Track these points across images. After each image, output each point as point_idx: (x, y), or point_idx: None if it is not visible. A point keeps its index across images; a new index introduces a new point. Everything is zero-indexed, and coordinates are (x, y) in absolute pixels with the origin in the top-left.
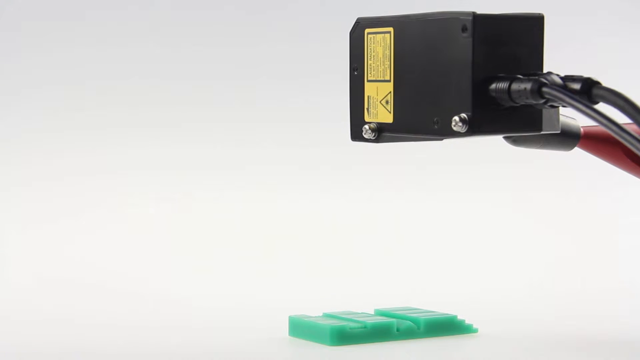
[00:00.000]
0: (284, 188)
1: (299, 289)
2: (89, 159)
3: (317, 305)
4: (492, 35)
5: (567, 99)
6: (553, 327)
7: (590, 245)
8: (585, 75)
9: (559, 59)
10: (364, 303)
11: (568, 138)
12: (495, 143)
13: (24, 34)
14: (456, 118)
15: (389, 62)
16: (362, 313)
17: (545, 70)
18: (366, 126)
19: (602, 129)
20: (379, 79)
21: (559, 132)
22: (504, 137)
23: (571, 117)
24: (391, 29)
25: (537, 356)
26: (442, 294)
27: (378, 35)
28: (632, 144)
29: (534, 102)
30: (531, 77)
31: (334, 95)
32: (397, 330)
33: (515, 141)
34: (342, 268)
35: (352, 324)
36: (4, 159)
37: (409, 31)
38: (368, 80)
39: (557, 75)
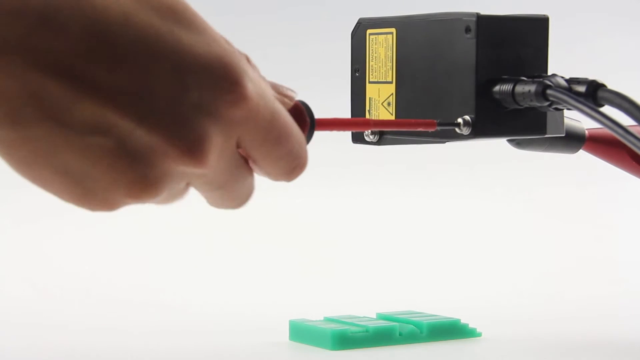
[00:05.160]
0: (285, 190)
1: (299, 293)
2: None
3: (318, 309)
4: (496, 37)
5: (572, 102)
6: (557, 330)
7: (595, 248)
8: (591, 77)
9: (564, 60)
10: (366, 307)
11: (573, 141)
12: (499, 144)
13: None
14: (459, 120)
15: (391, 64)
16: (364, 317)
17: (549, 72)
18: None
19: (607, 131)
20: (380, 80)
21: (563, 135)
22: (508, 140)
23: (576, 119)
24: (393, 30)
25: None
26: (445, 297)
27: (380, 36)
28: (637, 146)
29: (539, 104)
30: (535, 79)
31: (335, 97)
32: (400, 334)
33: (519, 144)
34: (344, 271)
35: (353, 328)
36: None
37: (411, 32)
38: (370, 82)
39: (562, 77)
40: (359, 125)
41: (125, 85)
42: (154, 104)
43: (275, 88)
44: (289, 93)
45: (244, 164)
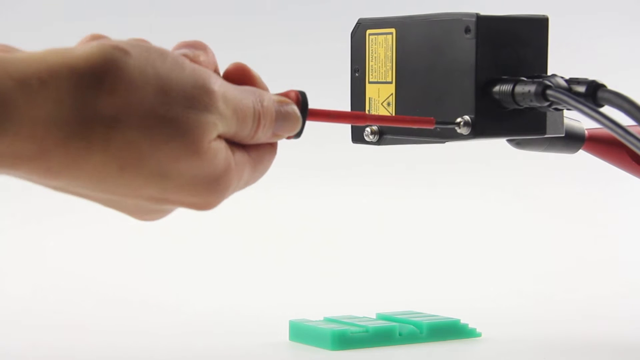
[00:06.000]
0: (285, 190)
1: (299, 293)
2: None
3: (318, 309)
4: (496, 37)
5: (572, 102)
6: (557, 330)
7: (595, 248)
8: (591, 77)
9: (564, 60)
10: (366, 307)
11: (573, 141)
12: (499, 144)
13: (23, 30)
14: (459, 120)
15: (390, 64)
16: (363, 317)
17: (549, 73)
18: (367, 129)
19: (606, 131)
20: (380, 80)
21: (563, 135)
22: (508, 140)
23: (576, 119)
24: (393, 30)
25: None
26: (445, 297)
27: (380, 36)
28: (637, 146)
29: (538, 104)
30: (535, 80)
31: (335, 97)
32: (400, 334)
33: (519, 144)
34: (344, 271)
35: (353, 328)
36: None
37: (411, 32)
38: (369, 82)
39: (562, 77)
40: (354, 118)
41: (103, 197)
42: (122, 206)
43: (275, 132)
44: (288, 134)
45: None
